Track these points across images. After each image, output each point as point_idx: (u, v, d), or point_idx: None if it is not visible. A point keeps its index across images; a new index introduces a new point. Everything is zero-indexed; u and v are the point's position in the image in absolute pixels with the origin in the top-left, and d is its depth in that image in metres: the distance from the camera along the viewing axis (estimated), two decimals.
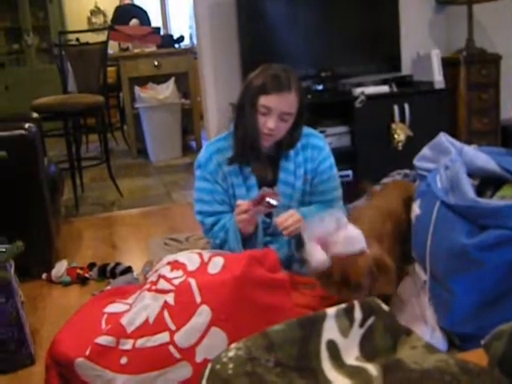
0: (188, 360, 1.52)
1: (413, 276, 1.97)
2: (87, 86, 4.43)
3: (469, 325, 1.61)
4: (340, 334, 0.67)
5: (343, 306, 0.70)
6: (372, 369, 0.64)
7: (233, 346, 0.65)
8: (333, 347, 0.66)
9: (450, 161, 1.87)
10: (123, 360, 1.53)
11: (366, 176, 2.49)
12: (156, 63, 5.20)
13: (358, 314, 0.69)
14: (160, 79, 5.22)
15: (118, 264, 2.56)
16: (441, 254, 1.70)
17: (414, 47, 3.64)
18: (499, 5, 3.77)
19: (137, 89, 5.09)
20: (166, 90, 5.11)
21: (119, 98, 5.89)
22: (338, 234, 1.58)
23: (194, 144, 5.54)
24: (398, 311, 1.81)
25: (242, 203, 1.94)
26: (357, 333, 0.68)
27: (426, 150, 2.03)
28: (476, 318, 1.61)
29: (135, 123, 5.29)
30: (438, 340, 1.64)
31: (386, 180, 2.59)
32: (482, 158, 1.79)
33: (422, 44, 3.72)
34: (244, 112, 2.02)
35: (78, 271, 2.54)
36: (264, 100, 1.94)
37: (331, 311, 0.70)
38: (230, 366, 0.62)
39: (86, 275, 2.52)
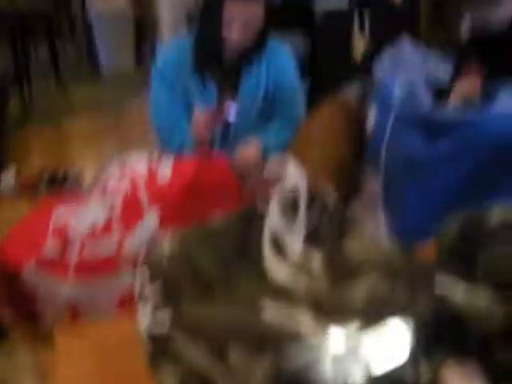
0: (135, 267, 1.50)
1: (366, 189, 1.98)
2: None
3: (416, 235, 1.63)
4: (284, 223, 0.64)
5: (290, 194, 0.67)
6: (315, 257, 0.62)
7: (171, 234, 0.61)
8: (276, 235, 0.63)
9: (409, 70, 1.83)
10: (70, 267, 1.51)
11: (326, 87, 2.45)
12: None
13: (303, 204, 0.66)
14: None
15: (67, 173, 2.49)
16: (395, 163, 1.70)
17: None
18: None
19: None
20: None
21: (70, 5, 5.60)
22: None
23: (146, 53, 5.37)
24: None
25: (200, 116, 1.87)
26: (301, 223, 0.65)
27: (385, 58, 1.99)
28: (426, 228, 1.63)
29: (86, 31, 5.06)
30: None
31: (344, 91, 2.55)
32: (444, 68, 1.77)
33: None
34: (206, 19, 1.94)
35: (26, 180, 2.46)
36: (228, 7, 1.85)
37: (276, 199, 0.66)
38: (167, 252, 0.58)
39: (36, 184, 2.45)
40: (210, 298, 0.52)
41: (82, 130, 3.36)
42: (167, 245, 0.59)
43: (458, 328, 0.48)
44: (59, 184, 2.44)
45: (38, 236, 1.61)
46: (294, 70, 2.12)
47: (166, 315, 0.48)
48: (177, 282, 0.52)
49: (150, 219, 1.48)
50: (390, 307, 0.49)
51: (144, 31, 5.22)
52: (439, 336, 0.47)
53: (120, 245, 1.49)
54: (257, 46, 1.99)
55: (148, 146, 2.76)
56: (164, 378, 0.45)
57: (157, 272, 0.53)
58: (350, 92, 2.55)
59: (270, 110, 2.10)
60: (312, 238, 0.64)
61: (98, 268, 1.51)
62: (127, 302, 1.47)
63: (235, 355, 0.42)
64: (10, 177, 2.48)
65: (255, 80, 2.04)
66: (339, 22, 3.20)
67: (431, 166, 1.56)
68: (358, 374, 0.41)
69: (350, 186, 1.94)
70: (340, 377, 0.41)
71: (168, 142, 2.04)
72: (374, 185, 1.87)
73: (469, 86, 1.82)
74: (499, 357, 0.52)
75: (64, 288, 1.49)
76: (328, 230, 0.66)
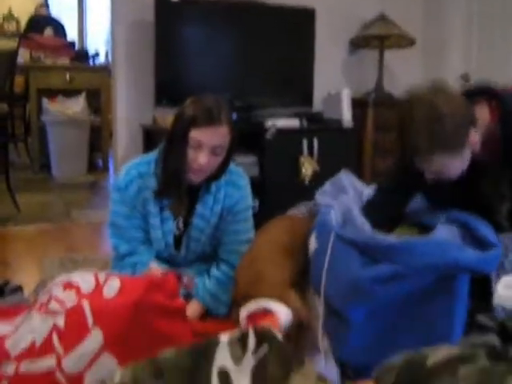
0: None
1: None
2: None
3: (362, 357, 1.64)
4: (232, 362, 0.65)
5: (237, 332, 0.68)
6: None
7: (119, 372, 0.61)
8: (224, 376, 0.64)
9: (346, 198, 1.93)
10: (4, 382, 1.43)
11: (274, 207, 2.52)
12: (68, 77, 5.06)
13: (251, 342, 0.67)
14: (71, 94, 5.06)
15: (7, 282, 2.41)
16: (337, 285, 1.73)
17: (327, 85, 3.76)
18: (408, 52, 4.01)
19: (45, 101, 4.91)
20: (76, 105, 4.97)
21: (25, 109, 5.66)
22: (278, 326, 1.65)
23: (100, 162, 5.40)
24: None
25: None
26: (249, 361, 0.67)
27: (327, 185, 2.09)
28: (369, 351, 1.64)
29: (40, 136, 5.09)
30: (331, 371, 1.66)
31: (291, 212, 2.62)
32: None
33: (334, 83, 3.86)
34: (173, 145, 1.94)
35: None
36: (195, 133, 1.87)
37: (224, 338, 0.68)
38: None
39: None
40: None
41: (26, 236, 3.30)
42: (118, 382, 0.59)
43: None
44: None
45: None
46: (249, 196, 2.17)
47: None
48: None
49: (93, 339, 1.44)
50: None
51: (99, 139, 5.31)
52: None
53: (59, 364, 1.44)
54: (220, 171, 2.02)
55: (93, 256, 2.75)
56: None
57: None
58: (297, 212, 2.63)
59: (220, 234, 2.13)
60: (260, 376, 0.65)
61: None
62: None
63: None
64: None
65: (211, 203, 2.07)
66: (289, 141, 3.33)
67: (369, 287, 1.60)
68: None
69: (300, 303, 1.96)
70: None
71: (123, 261, 2.04)
72: (317, 305, 1.89)
73: None
74: None
75: None
76: (275, 367, 0.67)
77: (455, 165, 1.67)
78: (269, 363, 0.67)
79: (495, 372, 0.63)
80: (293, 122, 3.41)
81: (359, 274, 1.63)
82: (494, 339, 0.67)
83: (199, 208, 2.06)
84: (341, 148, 3.46)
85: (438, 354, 0.72)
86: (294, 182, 3.29)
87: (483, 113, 1.76)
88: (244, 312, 1.71)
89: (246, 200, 2.15)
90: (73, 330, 1.47)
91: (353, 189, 1.95)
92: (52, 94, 5.01)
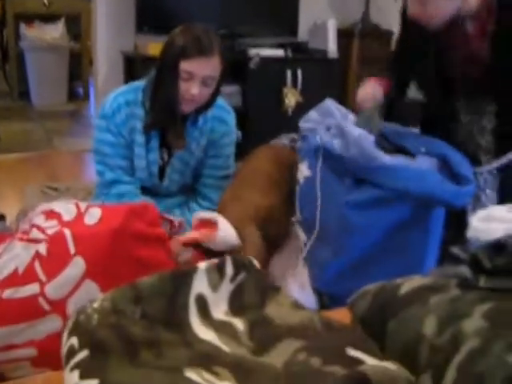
0: (58, 313, 1.47)
1: (291, 239, 2.03)
2: None
3: (339, 285, 1.69)
4: (210, 289, 0.67)
5: (215, 260, 0.70)
6: (239, 323, 0.65)
7: (99, 297, 0.63)
8: (201, 301, 0.66)
9: (333, 121, 1.92)
10: None
11: (255, 138, 2.51)
12: (46, 1, 4.87)
13: (229, 270, 0.69)
14: (50, 19, 4.89)
15: None
16: (325, 211, 1.76)
17: (312, 15, 3.68)
18: None
19: (22, 26, 4.76)
20: (55, 31, 4.82)
21: (2, 35, 5.48)
22: (213, 235, 1.70)
23: (80, 90, 5.30)
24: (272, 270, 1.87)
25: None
26: (226, 288, 0.68)
27: (311, 113, 2.08)
28: (346, 279, 1.69)
29: (18, 63, 4.96)
30: (308, 298, 1.71)
31: (273, 142, 2.62)
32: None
33: (320, 13, 3.77)
34: (164, 76, 1.90)
35: None
36: (185, 65, 1.84)
37: (202, 265, 0.70)
38: (95, 317, 0.60)
39: None
40: (138, 364, 0.54)
41: (7, 164, 3.27)
42: (96, 309, 0.60)
43: None
44: None
45: None
46: (233, 133, 2.17)
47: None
48: (105, 349, 0.53)
49: (75, 266, 1.46)
50: (306, 379, 0.53)
51: (79, 67, 5.18)
52: None
53: (42, 290, 1.46)
54: (210, 102, 1.99)
55: (75, 185, 2.74)
56: None
57: (85, 340, 0.55)
58: (280, 142, 2.63)
59: (201, 168, 2.13)
60: (236, 303, 0.67)
61: (16, 313, 1.46)
62: (46, 353, 1.44)
63: None
64: None
65: (197, 136, 2.06)
66: (273, 71, 3.29)
67: (353, 214, 1.63)
68: None
69: (278, 235, 1.99)
70: None
71: (109, 190, 2.04)
72: (300, 235, 1.93)
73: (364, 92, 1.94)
74: None
75: None
76: (252, 295, 0.69)
77: (441, 4, 1.64)
78: (245, 290, 0.68)
79: (465, 300, 0.65)
80: (277, 52, 3.36)
81: (342, 198, 1.66)
82: (465, 270, 0.69)
83: (187, 137, 2.05)
84: (325, 79, 3.43)
85: (410, 283, 0.74)
86: (277, 113, 3.28)
87: None
88: (196, 216, 1.77)
89: (231, 136, 2.15)
90: (55, 258, 1.49)
91: (339, 113, 1.94)
92: (30, 19, 4.84)
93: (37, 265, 1.49)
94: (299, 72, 3.31)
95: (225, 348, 0.60)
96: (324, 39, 3.52)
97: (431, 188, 1.60)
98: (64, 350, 0.55)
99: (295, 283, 1.76)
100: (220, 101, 2.09)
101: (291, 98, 3.28)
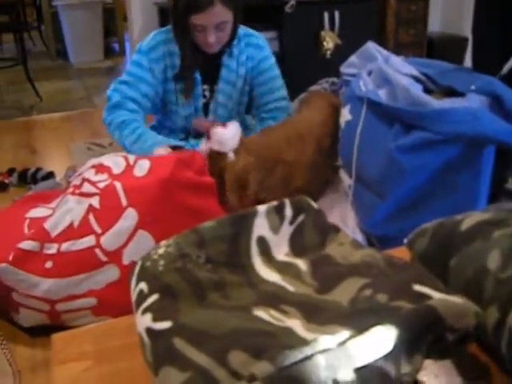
0: (115, 263, 1.51)
1: (335, 183, 2.02)
2: None
3: (389, 227, 1.68)
4: (270, 231, 0.67)
5: (274, 203, 0.70)
6: (301, 263, 0.65)
7: (163, 243, 0.64)
8: (263, 243, 0.67)
9: (376, 66, 1.87)
10: (48, 264, 1.51)
11: (294, 83, 2.47)
12: None
13: (288, 212, 0.69)
14: None
15: (39, 169, 2.47)
16: (369, 156, 1.74)
17: None
18: None
19: None
20: None
21: None
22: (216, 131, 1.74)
23: (116, 46, 5.29)
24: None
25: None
26: (287, 230, 0.69)
27: (353, 58, 2.03)
28: (396, 221, 1.68)
29: (53, 23, 4.96)
30: (359, 240, 1.71)
31: (313, 88, 2.58)
32: (407, 67, 1.81)
33: None
34: (179, 30, 1.97)
35: None
36: (194, 19, 1.89)
37: (262, 208, 0.70)
38: (161, 262, 0.61)
39: (6, 181, 2.43)
40: (207, 305, 0.55)
41: (51, 124, 3.32)
42: (162, 255, 0.61)
43: (437, 327, 0.51)
44: (31, 179, 2.42)
45: (13, 232, 1.61)
46: (271, 56, 2.16)
47: (165, 325, 0.51)
48: (174, 293, 0.55)
49: (128, 217, 1.49)
50: (373, 314, 0.53)
51: (113, 23, 5.17)
52: (419, 338, 0.51)
53: (97, 242, 1.50)
54: (232, 35, 2.03)
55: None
56: (167, 381, 0.48)
57: (154, 285, 0.56)
58: (319, 88, 2.59)
59: (246, 99, 2.16)
60: (297, 244, 0.68)
61: (74, 265, 1.51)
62: (106, 302, 1.49)
63: (235, 360, 0.45)
64: None
65: (235, 67, 2.08)
66: (309, 14, 3.21)
67: (400, 157, 1.61)
68: (347, 369, 0.45)
69: (322, 179, 2.00)
70: (331, 371, 0.44)
71: (111, 114, 1.99)
72: (345, 179, 1.92)
73: None
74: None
75: (41, 284, 1.50)
76: (312, 235, 0.69)
77: None
78: (305, 232, 0.69)
79: None
80: None
81: (389, 144, 1.62)
82: None
83: (224, 73, 2.08)
84: (363, 20, 3.33)
85: (470, 219, 0.73)
86: (316, 57, 3.22)
87: None
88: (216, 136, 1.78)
89: (269, 59, 2.15)
90: (108, 210, 1.52)
91: (381, 56, 1.89)
92: None
93: (91, 218, 1.53)
94: (336, 14, 3.22)
95: (289, 288, 0.61)
96: None
97: (484, 128, 1.55)
98: (133, 295, 0.56)
99: (343, 226, 1.77)
100: (251, 31, 2.13)
101: (329, 41, 3.21)
